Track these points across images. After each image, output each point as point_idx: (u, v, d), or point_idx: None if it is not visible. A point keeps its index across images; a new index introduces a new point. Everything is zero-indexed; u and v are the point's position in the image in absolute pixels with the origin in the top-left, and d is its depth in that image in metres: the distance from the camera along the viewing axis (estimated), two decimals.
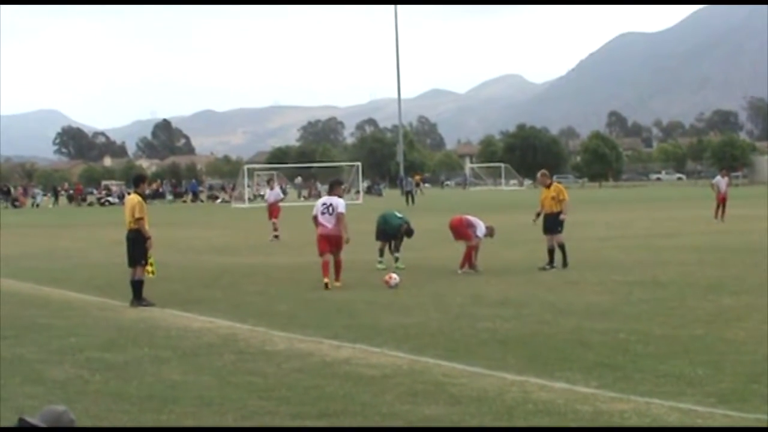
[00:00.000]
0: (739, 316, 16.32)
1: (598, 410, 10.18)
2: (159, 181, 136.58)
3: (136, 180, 21.47)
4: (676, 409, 10.13)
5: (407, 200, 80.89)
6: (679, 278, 22.21)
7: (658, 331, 15.10)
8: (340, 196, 23.55)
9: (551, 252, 25.45)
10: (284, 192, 51.00)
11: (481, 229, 25.49)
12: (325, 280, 22.41)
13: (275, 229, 40.05)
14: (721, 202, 44.65)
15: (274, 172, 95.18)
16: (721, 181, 46.22)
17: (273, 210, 41.26)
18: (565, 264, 25.19)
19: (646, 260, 26.54)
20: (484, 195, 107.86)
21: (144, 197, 20.50)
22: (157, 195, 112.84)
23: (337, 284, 22.58)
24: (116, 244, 19.98)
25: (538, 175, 27.36)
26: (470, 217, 25.99)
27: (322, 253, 23.07)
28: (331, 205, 23.19)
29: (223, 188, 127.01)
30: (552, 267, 25.06)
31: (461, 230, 25.50)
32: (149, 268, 20.63)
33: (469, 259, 25.04)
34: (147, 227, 20.07)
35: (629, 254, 28.37)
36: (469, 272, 24.60)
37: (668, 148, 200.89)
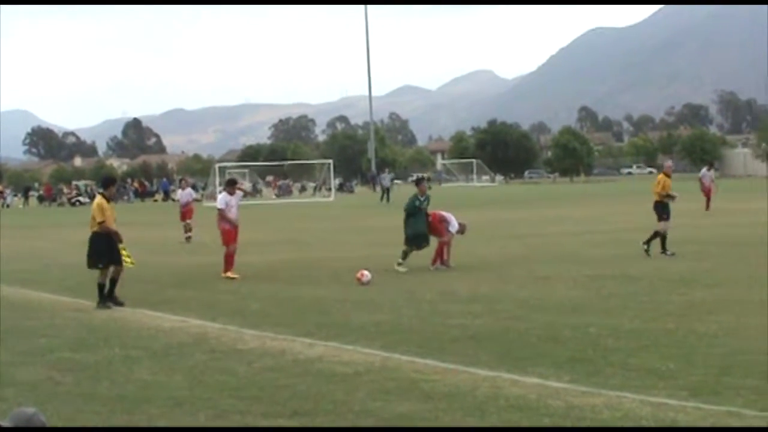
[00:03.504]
0: (710, 310, 16.37)
1: (569, 405, 10.19)
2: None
3: (105, 182, 21.29)
4: (647, 402, 10.15)
5: (382, 197, 78.31)
6: (651, 272, 22.27)
7: (629, 325, 15.14)
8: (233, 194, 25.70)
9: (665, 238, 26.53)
10: (194, 189, 50.24)
11: (453, 225, 25.47)
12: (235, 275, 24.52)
13: (188, 230, 39.65)
14: (707, 194, 45.82)
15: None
16: (706, 174, 47.39)
17: (185, 211, 40.91)
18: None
19: (618, 254, 26.59)
20: (456, 191, 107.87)
21: (109, 200, 20.28)
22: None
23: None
24: (86, 245, 19.90)
25: (668, 164, 28.63)
26: (444, 213, 25.96)
27: (231, 244, 25.10)
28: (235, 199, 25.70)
29: (194, 187, 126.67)
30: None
31: (435, 225, 25.46)
32: (127, 259, 20.62)
33: (441, 256, 25.04)
34: (113, 226, 19.93)
35: (601, 249, 28.43)
36: (441, 268, 24.60)
37: (639, 142, 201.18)
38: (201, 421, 10.11)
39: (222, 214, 25.27)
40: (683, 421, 9.49)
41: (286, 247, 34.20)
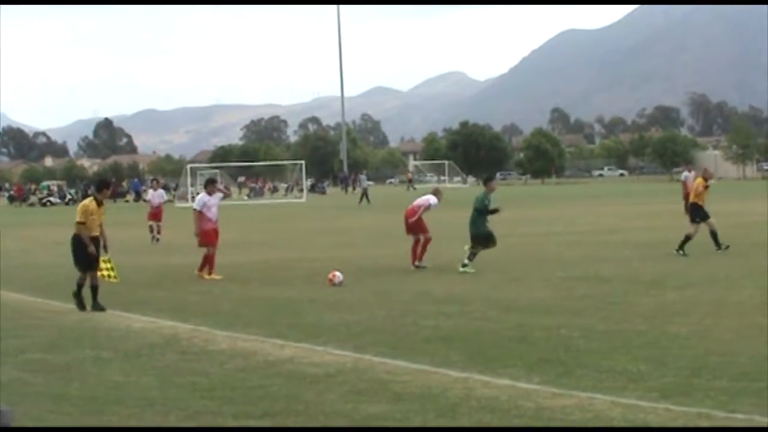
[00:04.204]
0: (681, 311, 16.45)
1: (540, 406, 10.21)
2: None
3: (99, 185, 21.26)
4: (618, 404, 10.17)
5: (361, 199, 76.41)
6: (622, 274, 22.35)
7: (600, 326, 15.18)
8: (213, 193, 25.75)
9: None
10: (165, 188, 50.53)
11: (433, 201, 25.68)
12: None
13: (158, 232, 39.79)
14: (687, 197, 45.61)
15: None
16: (689, 176, 47.15)
17: (156, 213, 40.79)
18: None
19: (589, 256, 26.68)
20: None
21: (100, 203, 20.13)
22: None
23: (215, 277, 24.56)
24: (58, 245, 19.85)
25: (705, 169, 29.52)
26: (419, 202, 26.11)
27: (214, 245, 25.07)
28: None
29: (165, 187, 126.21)
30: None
31: (419, 224, 25.63)
32: (111, 272, 20.51)
33: (416, 252, 25.13)
34: (95, 232, 19.76)
35: (572, 250, 28.51)
36: (418, 267, 24.70)
37: (610, 144, 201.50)
38: (172, 422, 10.06)
39: (196, 215, 25.19)
40: (654, 423, 9.51)
41: (258, 248, 34.14)
